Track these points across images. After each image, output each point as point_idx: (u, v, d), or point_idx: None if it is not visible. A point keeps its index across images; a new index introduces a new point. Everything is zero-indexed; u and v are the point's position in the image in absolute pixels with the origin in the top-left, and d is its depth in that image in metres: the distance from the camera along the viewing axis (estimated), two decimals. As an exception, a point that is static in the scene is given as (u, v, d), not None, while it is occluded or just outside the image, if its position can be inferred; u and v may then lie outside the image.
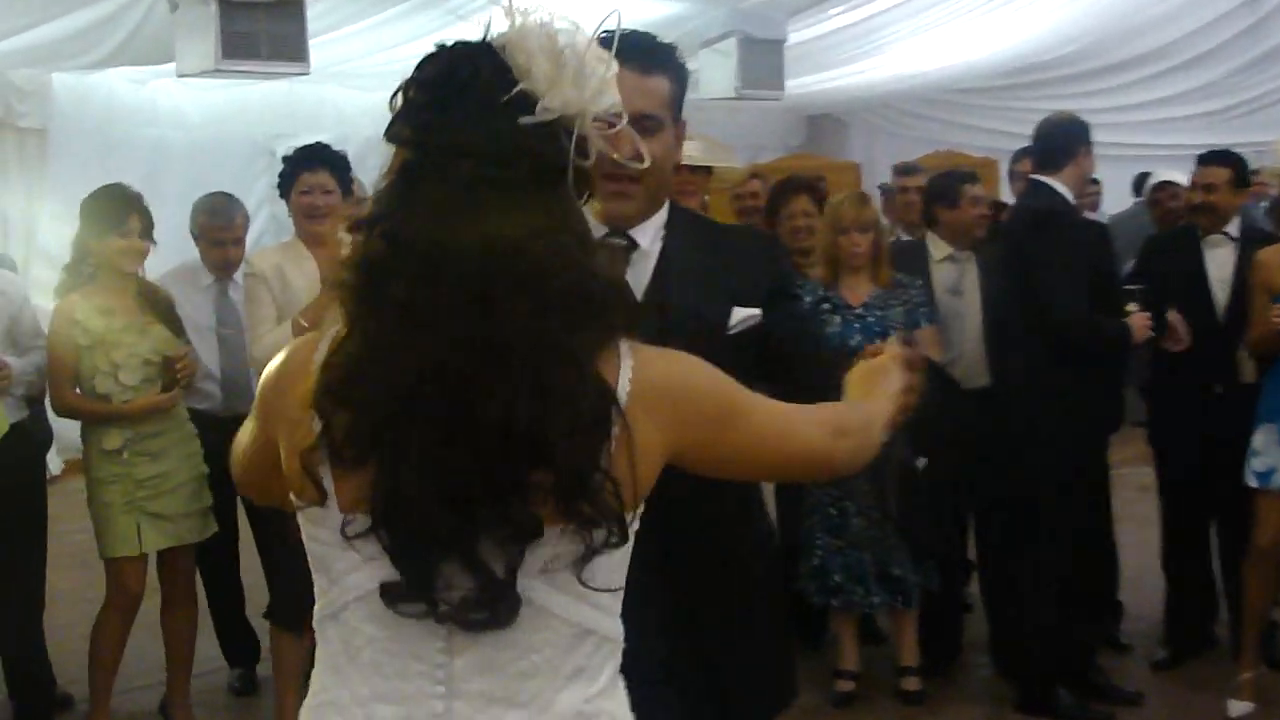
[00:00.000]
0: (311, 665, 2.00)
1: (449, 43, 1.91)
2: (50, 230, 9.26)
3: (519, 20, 1.88)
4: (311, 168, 5.21)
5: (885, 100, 14.79)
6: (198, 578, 5.56)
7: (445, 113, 1.87)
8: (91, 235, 5.21)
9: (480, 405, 1.75)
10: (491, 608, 1.81)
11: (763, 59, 10.57)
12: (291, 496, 1.94)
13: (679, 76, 2.77)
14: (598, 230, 2.41)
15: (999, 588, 5.95)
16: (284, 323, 4.98)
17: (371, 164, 9.63)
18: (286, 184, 5.27)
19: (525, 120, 1.85)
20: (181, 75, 8.54)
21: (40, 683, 5.64)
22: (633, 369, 1.91)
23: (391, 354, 1.77)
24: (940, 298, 5.96)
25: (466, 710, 1.86)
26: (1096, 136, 6.66)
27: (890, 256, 5.78)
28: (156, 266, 5.66)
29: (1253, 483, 5.52)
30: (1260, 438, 5.47)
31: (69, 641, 5.59)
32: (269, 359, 4.88)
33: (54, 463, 7.34)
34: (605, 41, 1.97)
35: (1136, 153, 11.34)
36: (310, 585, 1.98)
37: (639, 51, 2.56)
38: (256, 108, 11.06)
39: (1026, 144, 5.91)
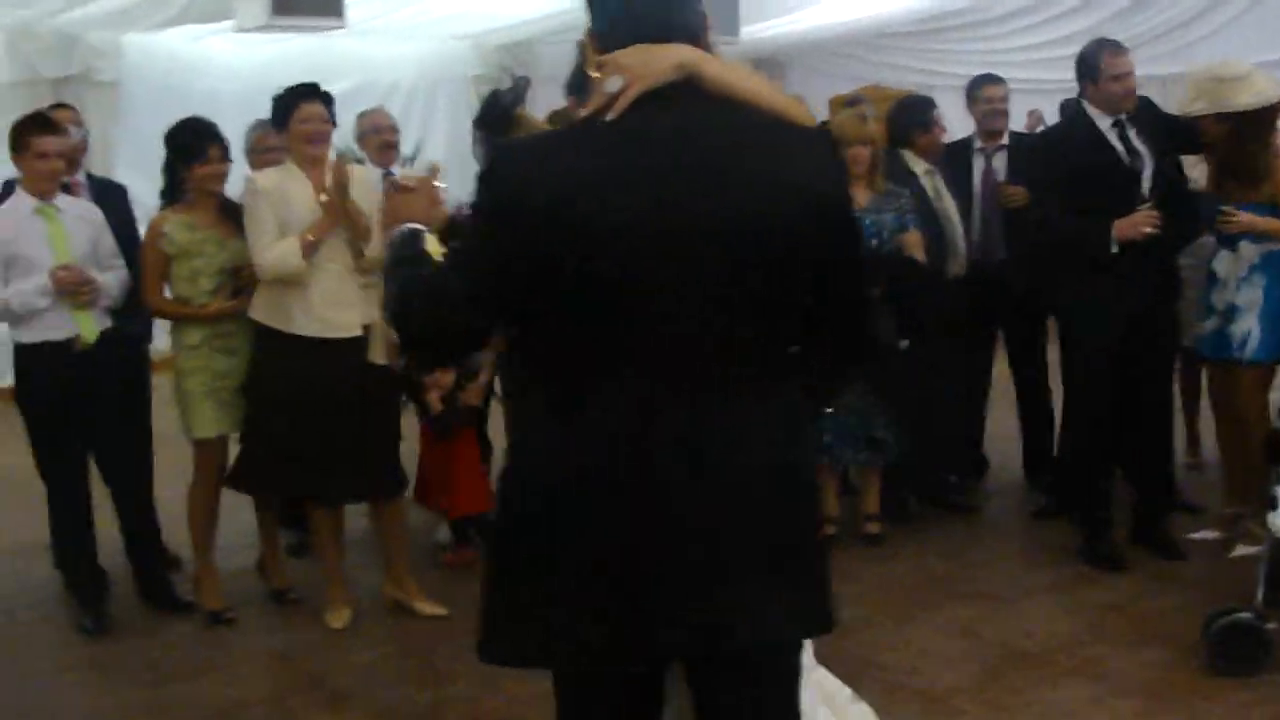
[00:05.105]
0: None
1: None
2: (124, 166, 9.25)
3: None
4: (310, 100, 5.12)
5: (820, 44, 14.74)
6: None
7: None
8: (180, 162, 5.25)
9: None
10: None
11: (721, 7, 10.59)
12: None
13: None
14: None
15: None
16: (289, 237, 4.99)
17: (393, 104, 9.56)
18: (284, 114, 5.13)
19: None
20: (241, 30, 8.51)
21: (155, 548, 5.74)
22: None
23: None
24: (934, 204, 6.02)
25: None
26: (1002, 73, 6.74)
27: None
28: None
29: None
30: None
31: (173, 512, 5.68)
32: (276, 267, 4.97)
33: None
34: None
35: (1034, 87, 11.35)
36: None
37: None
38: (296, 60, 10.98)
39: (937, 80, 5.91)
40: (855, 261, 2.36)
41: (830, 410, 5.43)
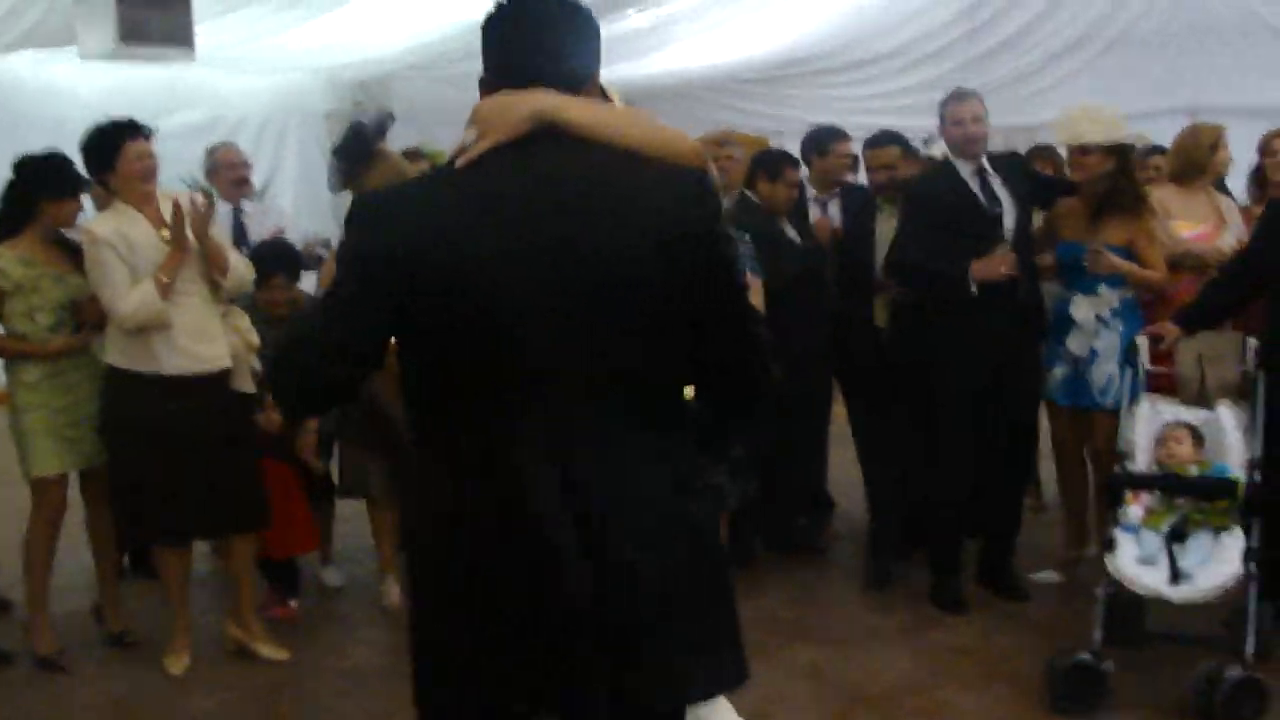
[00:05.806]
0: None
1: None
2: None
3: None
4: (136, 138, 4.89)
5: (669, 89, 14.84)
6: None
7: None
8: (46, 195, 5.05)
9: None
10: None
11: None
12: None
13: None
14: None
15: None
16: (144, 280, 4.76)
17: (243, 138, 9.34)
18: (111, 154, 4.86)
19: None
20: (84, 58, 8.27)
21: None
22: None
23: None
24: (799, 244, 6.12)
25: None
26: (847, 119, 6.77)
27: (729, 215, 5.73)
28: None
29: None
30: None
31: (3, 554, 5.44)
32: (138, 315, 4.74)
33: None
34: None
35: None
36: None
37: None
38: (145, 90, 10.70)
39: (788, 126, 5.87)
40: (732, 300, 2.29)
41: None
